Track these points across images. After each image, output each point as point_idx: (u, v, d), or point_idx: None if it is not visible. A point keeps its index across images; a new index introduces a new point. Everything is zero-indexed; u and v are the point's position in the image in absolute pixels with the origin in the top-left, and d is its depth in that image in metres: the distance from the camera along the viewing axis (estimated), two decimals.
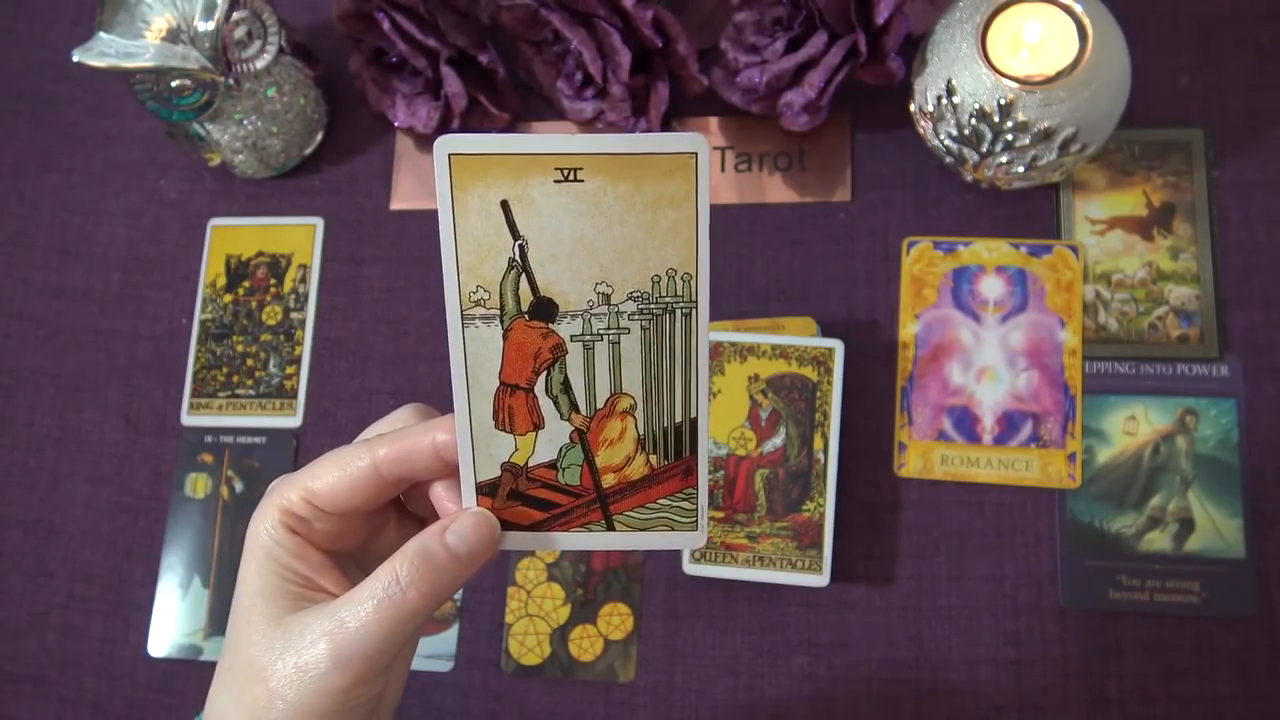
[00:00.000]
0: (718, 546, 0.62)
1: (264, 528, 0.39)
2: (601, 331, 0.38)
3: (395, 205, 0.73)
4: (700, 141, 0.35)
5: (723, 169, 0.70)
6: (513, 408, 0.38)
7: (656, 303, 0.37)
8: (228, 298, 0.73)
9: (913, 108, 0.64)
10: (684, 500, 0.40)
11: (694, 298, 0.37)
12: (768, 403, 0.63)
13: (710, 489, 0.62)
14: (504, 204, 0.36)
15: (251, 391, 0.71)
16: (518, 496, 0.39)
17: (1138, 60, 0.60)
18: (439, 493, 0.40)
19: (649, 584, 0.64)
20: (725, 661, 0.63)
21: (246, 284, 0.73)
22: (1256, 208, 0.65)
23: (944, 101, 0.60)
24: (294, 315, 0.72)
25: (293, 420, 0.70)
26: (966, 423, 0.64)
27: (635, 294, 0.37)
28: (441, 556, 0.38)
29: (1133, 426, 0.63)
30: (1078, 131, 0.59)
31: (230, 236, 0.74)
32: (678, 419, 0.39)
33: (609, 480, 0.39)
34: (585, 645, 0.64)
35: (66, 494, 0.71)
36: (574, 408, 0.39)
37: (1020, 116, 0.58)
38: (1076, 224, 0.66)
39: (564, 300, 0.37)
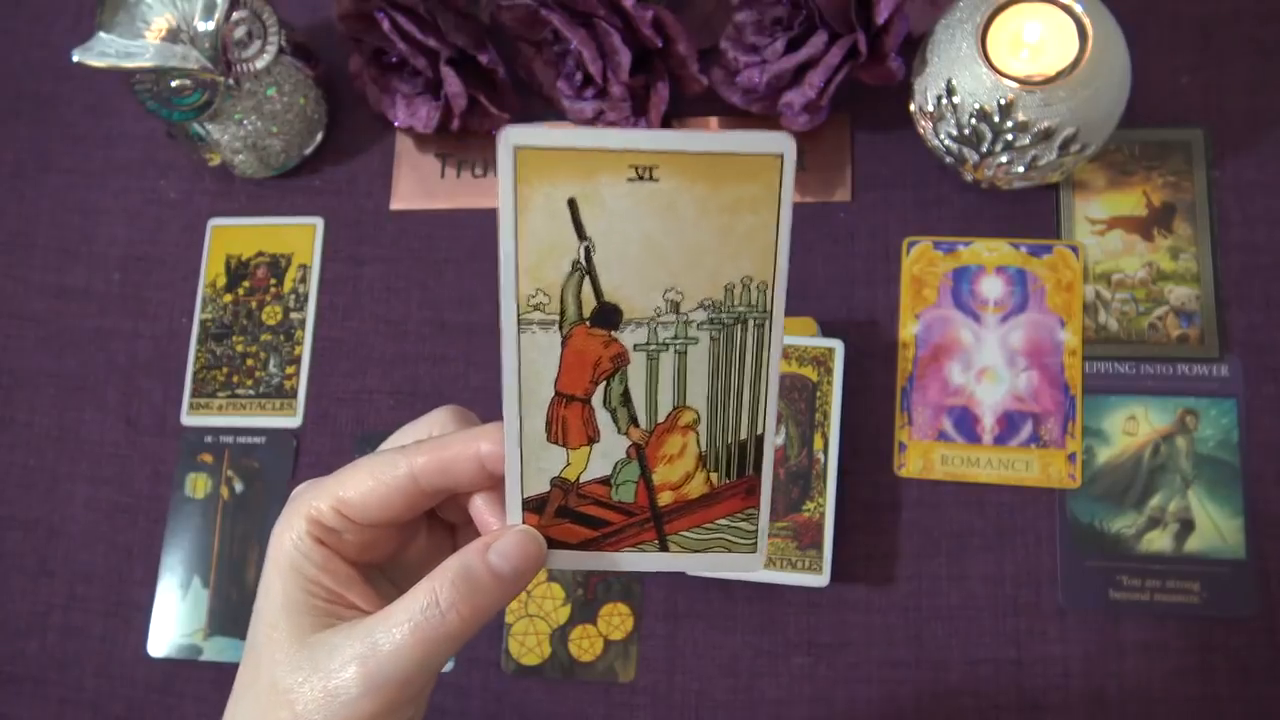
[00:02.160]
0: None
1: (289, 538, 0.37)
2: (668, 341, 0.35)
3: (395, 205, 0.73)
4: (788, 142, 0.33)
5: None
6: (567, 419, 0.36)
7: (729, 312, 0.35)
8: (228, 298, 0.73)
9: (913, 108, 0.64)
10: (744, 520, 0.37)
11: (769, 308, 0.35)
12: None
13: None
14: (571, 202, 0.33)
15: (251, 391, 0.71)
16: (566, 513, 0.37)
17: (1138, 60, 0.60)
18: (479, 505, 0.38)
19: (649, 584, 0.64)
20: (725, 661, 0.63)
21: (246, 284, 0.73)
22: (1256, 208, 0.65)
23: (944, 101, 0.60)
24: (294, 315, 0.72)
25: (293, 420, 0.70)
26: (966, 423, 0.64)
27: (706, 302, 0.35)
28: (484, 577, 0.35)
29: (1133, 426, 0.63)
30: (1078, 131, 0.59)
31: (230, 236, 0.74)
32: (743, 436, 0.37)
33: (665, 498, 0.37)
34: (585, 645, 0.64)
35: (66, 494, 0.71)
36: (633, 421, 0.36)
37: (1020, 116, 0.58)
38: (1076, 224, 0.66)
39: (629, 307, 0.35)
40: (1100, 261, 0.65)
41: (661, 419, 0.36)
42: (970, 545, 0.62)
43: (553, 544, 0.37)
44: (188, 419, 0.71)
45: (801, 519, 0.62)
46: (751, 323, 0.35)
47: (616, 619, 0.64)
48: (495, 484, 0.37)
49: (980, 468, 0.63)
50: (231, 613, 0.67)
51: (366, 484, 0.36)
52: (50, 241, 0.76)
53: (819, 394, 0.63)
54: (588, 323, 0.35)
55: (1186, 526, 0.61)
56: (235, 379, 0.71)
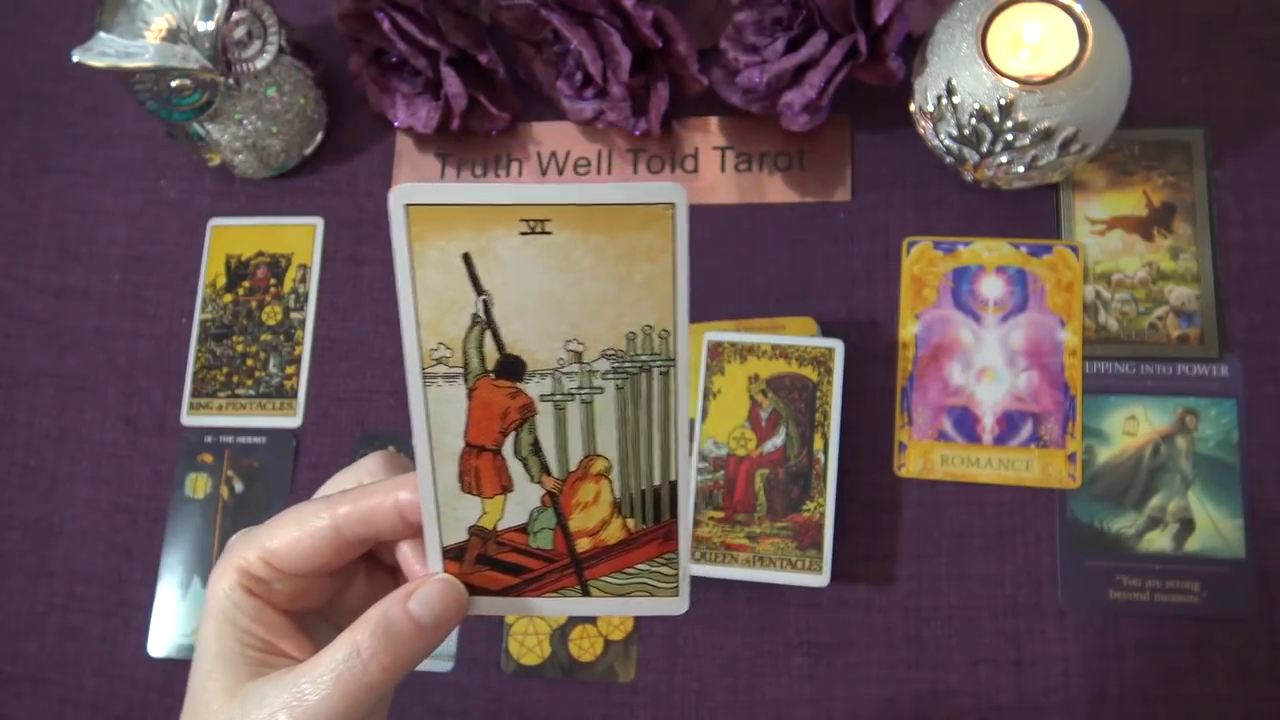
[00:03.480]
0: (718, 546, 0.62)
1: (221, 588, 0.37)
2: (573, 391, 0.35)
3: None
4: (679, 192, 0.33)
5: (723, 169, 0.70)
6: (479, 469, 0.36)
7: (632, 361, 0.35)
8: (228, 298, 0.73)
9: (913, 108, 0.64)
10: (664, 565, 0.37)
11: (672, 355, 0.35)
12: (768, 403, 0.63)
13: (710, 489, 0.62)
14: (466, 257, 0.33)
15: (251, 391, 0.71)
16: (486, 561, 0.37)
17: (1138, 60, 0.60)
18: (405, 552, 0.38)
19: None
20: (725, 661, 0.63)
21: (246, 284, 0.73)
22: (1256, 208, 0.65)
23: (944, 101, 0.60)
24: (294, 315, 0.72)
25: (293, 420, 0.70)
26: (966, 423, 0.64)
27: (609, 351, 0.35)
28: (405, 626, 0.36)
29: (1133, 426, 0.63)
30: (1078, 131, 0.59)
31: (230, 236, 0.74)
32: (656, 481, 0.37)
33: (584, 544, 0.37)
34: (585, 645, 0.64)
35: (66, 494, 0.71)
36: (545, 470, 0.36)
37: (1020, 116, 0.58)
38: (1076, 224, 0.66)
39: (532, 358, 0.35)
40: (1100, 261, 0.65)
41: (573, 467, 0.36)
42: (970, 545, 0.62)
43: (474, 590, 0.37)
44: (188, 419, 0.71)
45: (801, 519, 0.62)
46: (656, 370, 0.35)
47: (616, 619, 0.64)
48: (417, 532, 0.37)
49: (980, 468, 0.63)
50: None
51: (292, 534, 0.37)
52: (50, 241, 0.76)
53: (819, 394, 0.63)
54: (492, 375, 0.35)
55: (1186, 526, 0.61)
56: (235, 379, 0.71)
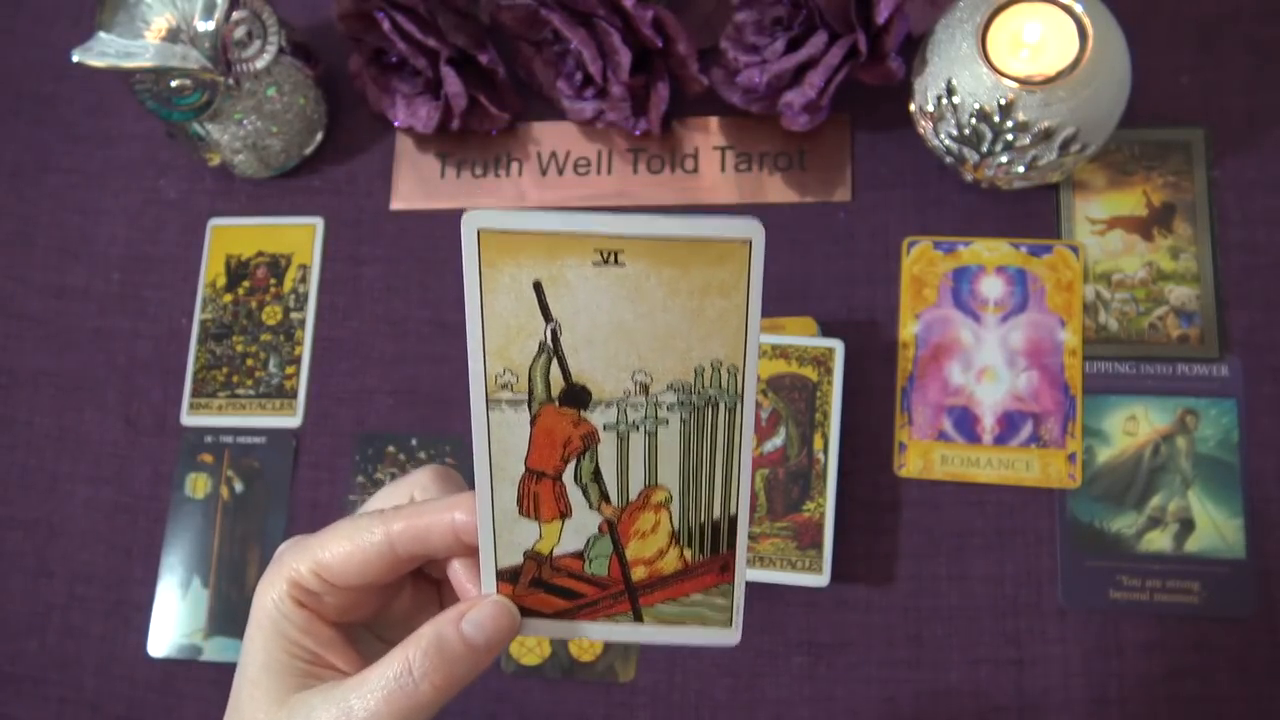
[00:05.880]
0: None
1: (271, 598, 0.37)
2: (638, 422, 0.35)
3: (395, 205, 0.73)
4: (756, 228, 0.32)
5: (723, 169, 0.70)
6: (538, 495, 0.36)
7: (699, 395, 0.35)
8: (228, 298, 0.73)
9: (913, 108, 0.64)
10: (718, 596, 0.37)
11: (740, 391, 0.34)
12: (768, 403, 0.63)
13: None
14: (537, 285, 0.33)
15: (251, 391, 0.71)
16: (540, 584, 0.37)
17: (1138, 60, 0.60)
18: (458, 570, 0.38)
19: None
20: (725, 661, 0.63)
21: (246, 284, 0.73)
22: (1256, 208, 0.65)
23: (944, 101, 0.60)
24: (294, 315, 0.72)
25: (293, 420, 0.70)
26: (966, 423, 0.64)
27: (675, 385, 0.34)
28: (458, 647, 0.36)
29: (1133, 426, 0.63)
30: (1078, 131, 0.59)
31: (230, 236, 0.74)
32: (715, 515, 0.36)
33: (639, 573, 0.37)
34: (585, 645, 0.64)
35: (66, 494, 0.71)
36: (604, 498, 0.36)
37: (1020, 116, 0.58)
38: (1076, 224, 0.66)
39: (598, 388, 0.35)
40: (1100, 261, 0.65)
41: (633, 496, 0.36)
42: (970, 545, 0.62)
43: (526, 612, 0.37)
44: (188, 419, 0.71)
45: (801, 519, 0.62)
46: (723, 406, 0.35)
47: None
48: (471, 551, 0.37)
49: (980, 468, 0.63)
50: (231, 613, 0.67)
51: (345, 548, 0.37)
52: (50, 241, 0.76)
53: (819, 394, 0.63)
54: (556, 403, 0.35)
55: (1186, 526, 0.61)
56: (235, 379, 0.71)
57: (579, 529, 0.37)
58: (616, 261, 0.33)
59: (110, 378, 0.73)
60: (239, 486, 0.69)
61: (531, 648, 0.64)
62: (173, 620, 0.68)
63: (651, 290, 0.33)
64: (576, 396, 0.35)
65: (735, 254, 0.33)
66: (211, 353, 0.72)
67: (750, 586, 0.63)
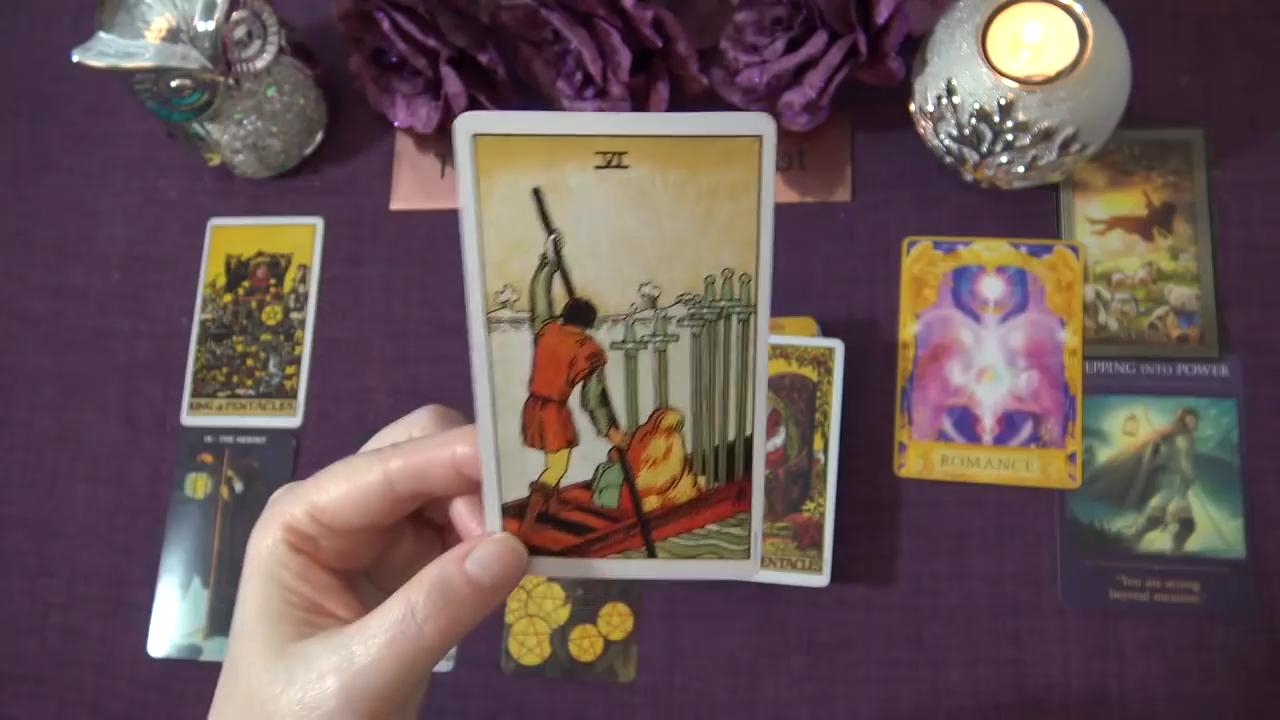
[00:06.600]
0: None
1: (265, 545, 0.35)
2: (646, 339, 0.33)
3: (395, 205, 0.73)
4: (767, 123, 0.30)
5: None
6: (544, 422, 0.34)
7: (710, 307, 0.33)
8: (228, 298, 0.73)
9: (913, 108, 0.64)
10: (735, 526, 0.35)
11: (753, 301, 0.33)
12: (767, 402, 0.63)
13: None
14: (536, 192, 0.31)
15: (251, 391, 0.71)
16: (548, 519, 0.35)
17: (1138, 60, 0.60)
18: (460, 510, 0.36)
19: (648, 584, 0.64)
20: (725, 661, 0.63)
21: (246, 284, 0.73)
22: (1256, 208, 0.65)
23: (944, 101, 0.60)
24: (294, 315, 0.72)
25: (293, 420, 0.70)
26: (966, 423, 0.64)
27: (685, 297, 0.33)
28: (462, 588, 0.34)
29: (1133, 426, 0.63)
30: (1078, 131, 0.59)
31: (230, 236, 0.74)
32: (730, 437, 0.34)
33: (651, 503, 0.35)
34: (585, 645, 0.64)
35: (66, 494, 0.71)
36: (613, 423, 0.34)
37: (1020, 116, 0.58)
38: (1076, 224, 0.66)
39: (603, 303, 0.33)
40: (1100, 261, 0.65)
41: (643, 420, 0.34)
42: (970, 545, 0.62)
43: (534, 551, 0.36)
44: (188, 419, 0.71)
45: (801, 519, 0.62)
46: (735, 318, 0.33)
47: (616, 619, 0.64)
48: (474, 488, 0.35)
49: (980, 468, 0.63)
50: (231, 613, 0.67)
51: (341, 488, 0.35)
52: (50, 241, 0.76)
53: (819, 394, 0.63)
54: (560, 320, 0.33)
55: (1186, 526, 0.61)
56: (235, 379, 0.71)
57: (587, 457, 0.35)
58: (620, 164, 0.31)
59: (110, 378, 0.73)
60: (239, 486, 0.69)
61: (531, 648, 0.64)
62: (173, 620, 0.68)
63: (658, 195, 0.31)
64: (581, 312, 0.33)
65: (745, 152, 0.31)
66: (211, 353, 0.72)
67: (750, 586, 0.63)
